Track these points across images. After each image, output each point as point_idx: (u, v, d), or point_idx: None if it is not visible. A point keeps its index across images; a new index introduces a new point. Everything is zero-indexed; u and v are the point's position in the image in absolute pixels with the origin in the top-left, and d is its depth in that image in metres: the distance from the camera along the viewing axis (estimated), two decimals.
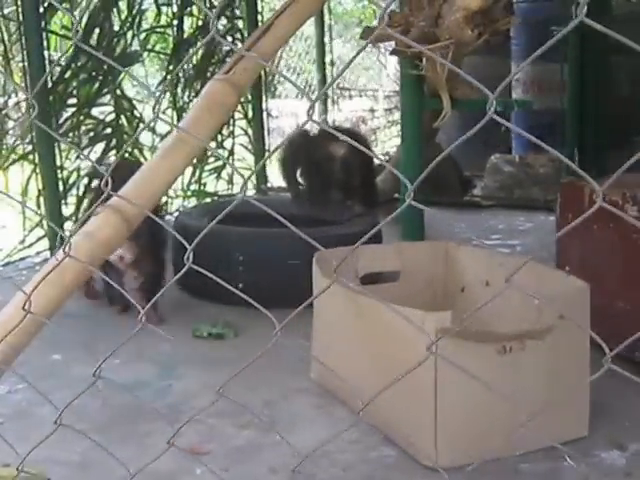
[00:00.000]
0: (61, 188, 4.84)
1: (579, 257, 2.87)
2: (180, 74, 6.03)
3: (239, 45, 6.25)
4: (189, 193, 6.15)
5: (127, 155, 5.39)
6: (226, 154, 6.52)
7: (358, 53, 1.24)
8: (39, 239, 4.80)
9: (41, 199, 4.76)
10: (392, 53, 3.15)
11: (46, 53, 4.50)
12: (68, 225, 4.87)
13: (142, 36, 5.68)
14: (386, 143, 10.79)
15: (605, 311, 2.70)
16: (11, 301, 1.62)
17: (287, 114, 9.44)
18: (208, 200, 6.11)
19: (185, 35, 6.11)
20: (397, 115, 3.73)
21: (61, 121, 4.97)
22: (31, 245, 4.75)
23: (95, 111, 5.30)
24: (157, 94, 5.33)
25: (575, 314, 2.28)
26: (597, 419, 2.33)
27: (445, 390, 2.12)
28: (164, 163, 1.94)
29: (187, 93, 6.07)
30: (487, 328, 2.24)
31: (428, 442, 2.18)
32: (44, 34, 4.70)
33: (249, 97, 6.66)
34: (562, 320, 2.20)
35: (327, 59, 8.46)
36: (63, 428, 1.66)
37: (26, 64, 4.55)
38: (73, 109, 5.08)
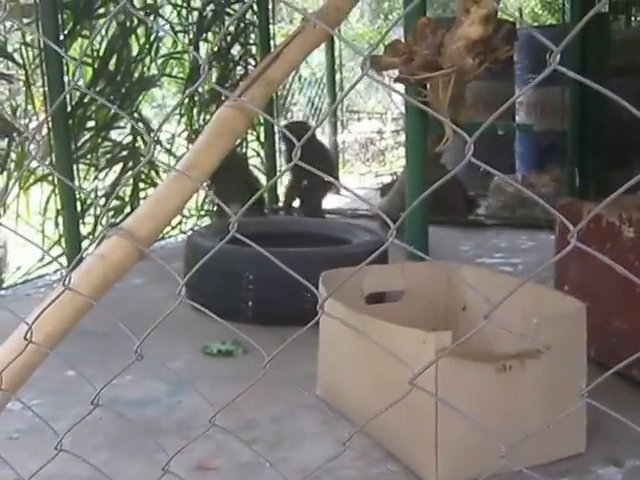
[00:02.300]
0: (79, 208, 4.97)
1: (577, 277, 2.93)
2: (196, 98, 6.16)
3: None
4: (202, 212, 6.25)
5: (143, 176, 5.52)
6: None
7: (354, 85, 1.32)
8: (57, 257, 4.91)
9: (59, 218, 4.88)
10: (396, 81, 3.24)
11: (66, 78, 4.62)
12: (85, 244, 4.99)
13: (159, 61, 5.81)
14: (394, 163, 10.89)
15: (603, 330, 2.76)
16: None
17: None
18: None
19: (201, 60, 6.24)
20: (404, 136, 3.82)
21: (80, 143, 5.10)
22: (49, 263, 4.86)
23: (112, 134, 5.42)
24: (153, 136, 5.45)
25: (572, 334, 2.35)
26: (594, 436, 2.38)
27: (445, 408, 2.18)
28: (175, 187, 2.01)
29: (202, 116, 6.20)
30: (487, 347, 2.30)
31: (429, 458, 2.25)
32: (64, 60, 4.85)
33: (261, 119, 6.77)
34: (559, 339, 2.26)
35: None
36: (77, 442, 1.70)
37: (46, 89, 4.69)
38: (91, 132, 5.22)
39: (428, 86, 3.02)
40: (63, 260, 4.87)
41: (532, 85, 0.94)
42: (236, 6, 6.61)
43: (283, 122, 7.14)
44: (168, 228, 5.60)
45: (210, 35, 6.37)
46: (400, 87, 3.50)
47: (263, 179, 6.92)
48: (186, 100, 6.16)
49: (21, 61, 4.76)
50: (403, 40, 3.10)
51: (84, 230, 5.00)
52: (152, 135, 1.28)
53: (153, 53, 5.69)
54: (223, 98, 5.98)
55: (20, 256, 4.99)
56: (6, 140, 4.57)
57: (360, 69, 1.00)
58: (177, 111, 6.25)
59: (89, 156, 5.24)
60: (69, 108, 4.83)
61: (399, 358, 1.28)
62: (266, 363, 1.21)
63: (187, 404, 2.83)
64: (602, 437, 2.37)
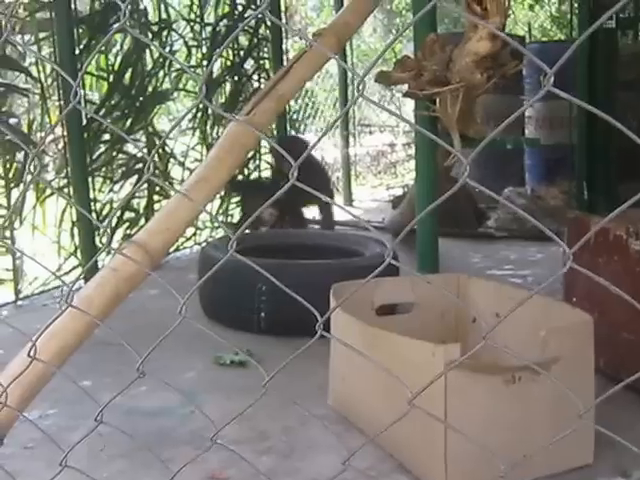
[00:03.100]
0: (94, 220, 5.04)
1: (585, 289, 2.95)
2: (209, 111, 6.23)
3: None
4: (216, 224, 6.30)
5: (157, 189, 5.58)
6: None
7: (351, 104, 1.34)
8: (73, 268, 4.97)
9: (75, 230, 4.94)
10: (405, 95, 3.28)
11: (81, 92, 4.69)
12: (101, 256, 5.04)
13: (173, 75, 5.88)
14: (405, 176, 10.93)
15: (611, 341, 2.78)
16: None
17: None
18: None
19: (214, 75, 6.32)
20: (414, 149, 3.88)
21: (95, 156, 5.17)
22: (66, 274, 4.91)
23: (128, 146, 5.49)
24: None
25: (580, 346, 2.37)
26: (602, 447, 2.39)
27: (455, 419, 2.20)
28: (186, 200, 2.06)
29: (216, 130, 6.26)
30: (496, 359, 2.33)
31: (439, 469, 2.27)
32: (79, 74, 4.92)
33: (274, 133, 6.83)
34: (568, 351, 2.28)
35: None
36: (93, 452, 1.72)
37: (62, 103, 4.76)
38: (107, 145, 5.29)
39: (437, 101, 3.06)
40: (78, 271, 4.93)
41: (526, 108, 0.97)
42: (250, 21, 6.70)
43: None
44: (182, 239, 5.66)
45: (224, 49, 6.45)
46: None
47: None
48: (199, 114, 6.23)
49: (37, 75, 4.83)
50: (412, 56, 3.14)
51: (99, 242, 5.05)
52: (152, 153, 1.27)
53: (167, 67, 5.76)
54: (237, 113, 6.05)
55: (37, 266, 5.05)
56: (22, 153, 4.63)
57: (376, 82, 1.04)
58: (190, 125, 6.32)
59: (104, 169, 5.31)
60: (84, 121, 4.89)
61: (399, 379, 1.30)
62: (266, 382, 1.24)
63: (200, 414, 2.84)
64: (610, 448, 2.38)
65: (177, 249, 5.74)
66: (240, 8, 6.63)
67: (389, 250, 1.04)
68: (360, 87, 0.97)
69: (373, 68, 1.09)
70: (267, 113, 2.34)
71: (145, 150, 5.51)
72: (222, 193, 6.11)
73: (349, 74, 8.51)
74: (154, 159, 5.62)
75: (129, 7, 4.92)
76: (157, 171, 5.59)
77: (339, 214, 6.32)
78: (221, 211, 6.45)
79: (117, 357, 3.41)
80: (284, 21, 7.02)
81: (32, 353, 1.49)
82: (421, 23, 3.67)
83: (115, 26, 5.32)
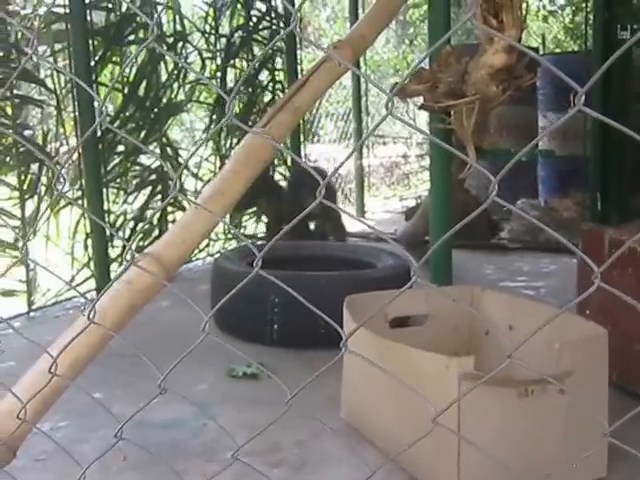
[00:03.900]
0: (108, 231, 5.05)
1: (599, 301, 2.93)
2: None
3: (280, 95, 6.48)
4: (229, 236, 6.31)
5: (172, 201, 5.60)
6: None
7: (380, 122, 1.34)
8: (86, 279, 4.98)
9: (89, 241, 4.96)
10: (421, 108, 3.28)
11: (96, 104, 4.71)
12: (114, 267, 5.06)
13: (187, 87, 5.91)
14: (418, 187, 10.93)
15: (624, 354, 2.77)
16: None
17: (325, 159, 9.61)
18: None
19: (228, 86, 6.35)
20: (429, 161, 3.86)
21: (109, 167, 5.19)
22: (79, 285, 4.93)
23: (142, 158, 5.52)
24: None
25: (594, 359, 2.36)
26: (616, 460, 2.38)
27: (468, 432, 2.19)
28: (201, 213, 2.06)
29: (230, 141, 6.28)
30: (509, 372, 2.31)
31: None
32: (94, 86, 4.95)
33: (288, 143, 6.84)
34: (581, 365, 2.27)
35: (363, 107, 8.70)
36: (104, 465, 1.72)
37: (77, 114, 4.79)
38: (121, 156, 5.31)
39: (452, 113, 3.06)
40: (92, 283, 4.95)
41: (555, 127, 0.97)
42: (264, 32, 6.73)
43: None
44: (195, 250, 5.67)
45: (238, 61, 6.48)
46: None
47: None
48: (212, 125, 6.26)
49: (52, 87, 4.86)
50: (428, 68, 3.14)
51: (113, 253, 5.07)
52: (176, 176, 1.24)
53: (181, 79, 5.79)
54: (251, 124, 6.08)
55: (50, 278, 5.07)
56: (37, 164, 4.66)
57: (385, 108, 1.03)
58: (204, 136, 6.35)
59: (118, 180, 5.33)
60: (99, 133, 4.91)
61: (422, 396, 1.30)
62: (289, 399, 1.24)
63: (213, 427, 2.84)
64: (623, 460, 2.37)
65: (189, 260, 5.74)
66: (255, 19, 6.66)
67: (415, 267, 1.03)
68: (389, 105, 0.97)
69: (394, 84, 1.08)
70: (283, 126, 2.35)
71: (160, 161, 5.52)
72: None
73: (363, 86, 8.53)
74: (166, 168, 5.64)
75: (142, 19, 4.99)
76: (170, 182, 5.61)
77: (351, 225, 6.32)
78: (234, 222, 6.45)
79: (129, 369, 3.42)
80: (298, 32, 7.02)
81: (53, 369, 1.49)
82: (435, 35, 3.68)
83: (131, 38, 5.37)
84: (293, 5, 6.77)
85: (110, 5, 5.12)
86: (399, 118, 1.09)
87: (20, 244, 4.46)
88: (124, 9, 5.18)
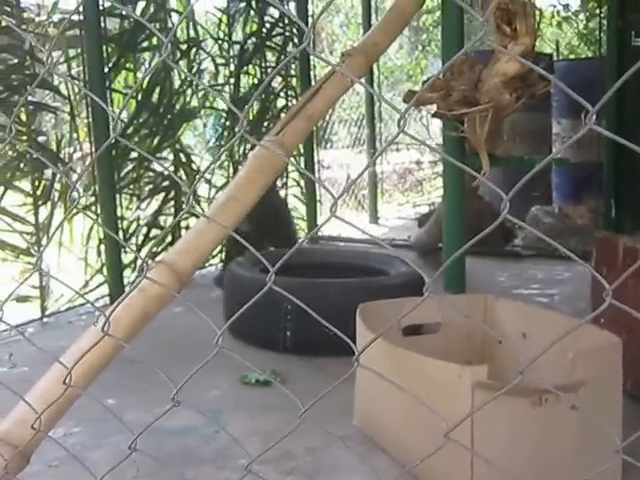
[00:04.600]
0: (121, 237, 5.06)
1: (613, 309, 2.91)
2: (236, 129, 6.25)
3: (293, 102, 6.48)
4: None
5: (184, 206, 5.61)
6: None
7: (394, 138, 1.33)
8: (99, 285, 5.00)
9: (102, 247, 4.97)
10: (434, 116, 3.27)
11: (109, 110, 4.73)
12: (127, 273, 5.07)
13: (201, 93, 5.92)
14: (431, 194, 10.91)
15: (638, 363, 2.74)
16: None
17: (339, 165, 9.61)
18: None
19: (241, 92, 6.36)
20: (442, 167, 3.85)
21: (122, 174, 5.20)
22: (92, 291, 4.94)
23: (154, 165, 5.53)
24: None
25: (608, 368, 2.34)
26: (629, 472, 2.35)
27: (480, 439, 2.18)
28: (217, 219, 2.06)
29: (243, 147, 6.29)
30: (523, 380, 2.30)
31: None
32: (108, 92, 4.97)
33: (301, 150, 6.84)
34: (595, 374, 2.25)
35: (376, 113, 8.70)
36: (116, 472, 1.72)
37: (91, 120, 4.81)
38: (134, 163, 5.33)
39: (465, 121, 3.05)
40: (105, 289, 4.96)
41: (568, 145, 0.97)
42: (277, 39, 6.74)
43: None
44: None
45: (251, 68, 6.49)
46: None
47: (303, 209, 7.00)
48: (226, 131, 6.27)
49: (66, 93, 4.88)
50: (441, 76, 3.14)
51: (126, 259, 5.08)
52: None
53: (195, 85, 5.80)
54: (264, 130, 6.09)
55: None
56: (51, 170, 4.67)
57: (397, 125, 1.03)
58: (218, 142, 6.36)
59: (131, 186, 5.35)
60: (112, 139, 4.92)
61: (434, 411, 1.29)
62: (302, 412, 1.23)
63: (224, 434, 2.84)
64: (637, 473, 2.35)
65: (202, 266, 5.75)
66: (268, 26, 6.67)
67: (428, 284, 1.02)
68: (402, 123, 0.97)
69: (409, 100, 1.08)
70: (297, 133, 2.35)
71: (170, 173, 5.53)
72: None
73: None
74: (180, 176, 5.65)
75: (155, 26, 5.00)
76: (184, 188, 5.62)
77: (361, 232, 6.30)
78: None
79: (142, 375, 3.43)
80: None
81: (68, 380, 1.49)
82: (449, 41, 3.67)
83: (145, 45, 5.39)
84: (306, 17, 6.81)
85: (124, 12, 5.14)
86: (411, 136, 1.09)
87: (33, 250, 4.48)
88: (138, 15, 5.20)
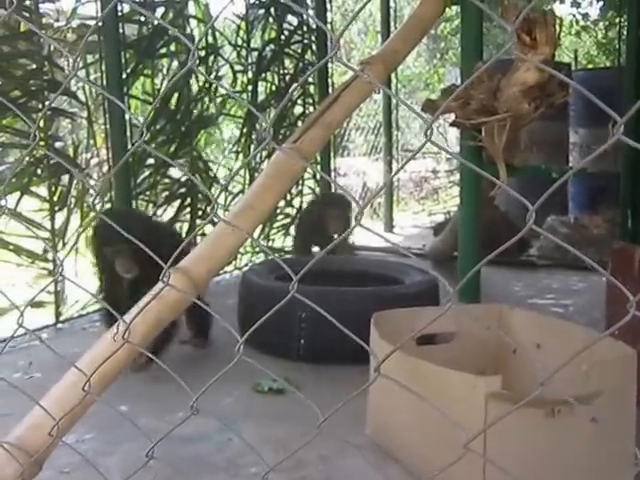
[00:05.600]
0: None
1: (628, 321, 2.89)
2: (253, 136, 6.27)
3: (310, 109, 6.49)
4: (257, 249, 6.31)
5: (200, 213, 5.63)
6: (294, 212, 6.72)
7: (417, 151, 1.32)
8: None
9: None
10: (452, 125, 3.26)
11: (127, 116, 4.74)
12: None
13: (218, 100, 5.94)
14: (447, 202, 10.89)
15: None
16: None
17: (355, 172, 9.61)
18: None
19: (259, 99, 6.37)
20: (458, 176, 3.83)
21: (139, 180, 5.22)
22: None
23: (171, 171, 5.54)
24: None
25: (622, 380, 2.32)
26: None
27: (493, 450, 2.16)
28: (231, 229, 2.06)
29: (260, 154, 6.30)
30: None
31: None
32: (126, 99, 4.99)
33: (318, 157, 6.84)
34: (609, 385, 2.23)
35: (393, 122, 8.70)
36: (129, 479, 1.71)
37: (108, 126, 4.82)
38: (151, 169, 5.34)
39: (483, 130, 3.04)
40: None
41: (591, 158, 0.96)
42: (295, 46, 6.75)
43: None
44: None
45: (269, 75, 6.51)
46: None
47: None
48: (243, 138, 6.28)
49: (84, 99, 4.90)
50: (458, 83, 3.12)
51: None
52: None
53: (212, 92, 5.82)
54: (281, 137, 6.09)
55: (78, 289, 5.09)
56: (67, 176, 4.69)
57: (424, 135, 1.03)
58: (234, 148, 6.37)
59: (148, 192, 5.36)
60: (129, 145, 4.94)
61: (453, 421, 1.28)
62: (320, 423, 1.23)
63: (237, 441, 2.83)
64: None
65: (217, 274, 5.75)
66: (286, 33, 6.68)
67: (451, 295, 1.02)
68: (428, 133, 0.97)
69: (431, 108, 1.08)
70: (315, 141, 2.34)
71: (188, 175, 5.55)
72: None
73: (393, 100, 8.52)
74: (195, 181, 5.66)
75: (173, 32, 5.01)
76: (200, 195, 5.64)
77: (377, 240, 6.30)
78: (262, 236, 6.46)
79: (155, 381, 3.44)
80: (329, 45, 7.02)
81: (87, 387, 1.49)
82: (467, 49, 3.66)
83: (163, 51, 5.41)
84: (325, 25, 6.81)
85: (142, 18, 5.16)
86: (439, 146, 1.08)
87: (49, 255, 4.49)
88: (156, 22, 5.22)
